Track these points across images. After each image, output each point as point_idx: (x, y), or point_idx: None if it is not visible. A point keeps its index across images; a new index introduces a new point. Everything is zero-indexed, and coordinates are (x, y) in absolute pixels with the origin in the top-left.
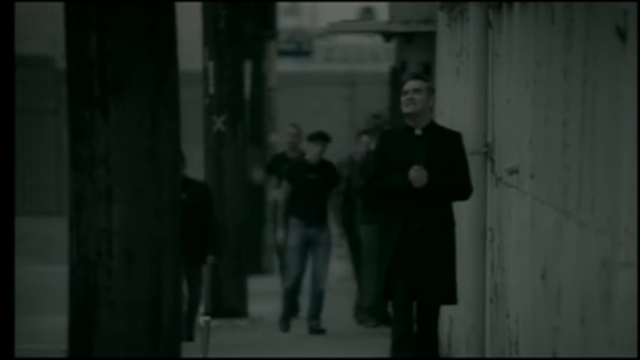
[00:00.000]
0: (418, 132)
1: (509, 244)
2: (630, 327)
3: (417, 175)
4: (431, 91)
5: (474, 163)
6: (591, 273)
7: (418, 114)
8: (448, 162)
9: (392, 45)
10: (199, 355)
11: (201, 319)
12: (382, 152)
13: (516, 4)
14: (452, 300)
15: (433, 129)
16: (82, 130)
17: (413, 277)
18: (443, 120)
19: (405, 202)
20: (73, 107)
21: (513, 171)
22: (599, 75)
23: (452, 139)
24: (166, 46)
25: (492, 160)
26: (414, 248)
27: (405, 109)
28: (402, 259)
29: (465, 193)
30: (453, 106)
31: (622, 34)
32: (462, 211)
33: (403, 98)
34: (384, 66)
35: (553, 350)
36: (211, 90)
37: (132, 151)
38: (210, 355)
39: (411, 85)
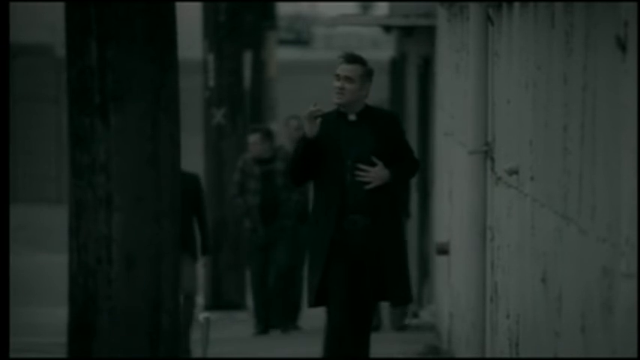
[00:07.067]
0: (352, 117)
1: (509, 244)
2: (631, 338)
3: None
4: (367, 76)
5: (474, 162)
6: (592, 281)
7: (350, 104)
8: (391, 142)
9: (392, 34)
10: (199, 354)
11: (201, 316)
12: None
13: (516, 4)
14: (408, 299)
15: (368, 113)
16: (82, 137)
17: (354, 276)
18: (443, 115)
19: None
20: (73, 114)
21: (513, 172)
22: (599, 82)
23: (390, 121)
24: (166, 50)
25: (492, 160)
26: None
27: (334, 100)
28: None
29: (415, 170)
30: (452, 102)
31: (622, 45)
32: (462, 210)
33: (335, 84)
34: (385, 54)
35: (554, 352)
36: (211, 83)
37: (132, 158)
38: (210, 353)
39: (343, 70)
